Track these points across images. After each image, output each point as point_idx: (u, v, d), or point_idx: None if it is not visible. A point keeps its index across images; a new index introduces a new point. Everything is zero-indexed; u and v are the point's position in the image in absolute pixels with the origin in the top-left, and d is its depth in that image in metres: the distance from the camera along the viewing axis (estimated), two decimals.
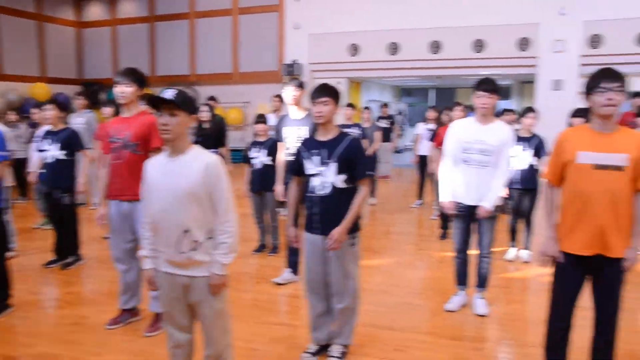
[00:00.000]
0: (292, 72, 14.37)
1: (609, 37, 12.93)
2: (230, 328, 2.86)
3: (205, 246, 2.64)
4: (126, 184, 3.82)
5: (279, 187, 5.03)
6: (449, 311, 4.40)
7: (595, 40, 13.01)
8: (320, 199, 3.30)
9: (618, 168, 2.75)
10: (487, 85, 4.06)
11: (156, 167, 2.68)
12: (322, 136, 3.35)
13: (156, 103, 2.58)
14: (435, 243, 6.66)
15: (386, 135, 11.67)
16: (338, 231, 3.24)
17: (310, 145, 3.39)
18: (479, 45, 13.70)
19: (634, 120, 7.33)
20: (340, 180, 3.27)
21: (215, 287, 2.66)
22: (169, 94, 2.55)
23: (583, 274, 2.94)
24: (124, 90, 3.81)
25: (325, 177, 3.28)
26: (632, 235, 2.87)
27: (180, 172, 2.59)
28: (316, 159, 3.31)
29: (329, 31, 14.52)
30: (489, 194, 4.14)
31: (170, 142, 2.61)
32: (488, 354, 3.79)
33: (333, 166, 3.26)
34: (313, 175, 3.33)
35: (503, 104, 18.05)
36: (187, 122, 2.62)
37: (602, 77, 2.72)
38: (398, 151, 19.06)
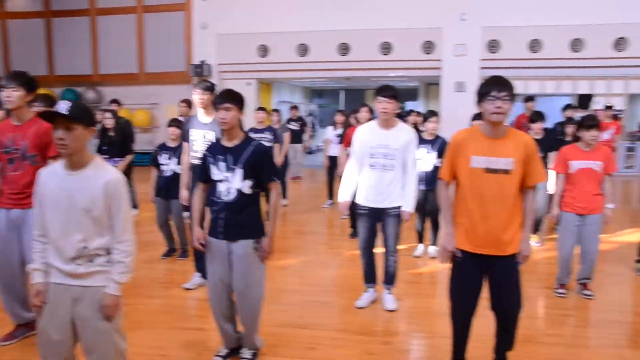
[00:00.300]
0: (200, 73, 14.10)
1: (505, 42, 13.70)
2: (122, 349, 2.66)
3: (102, 259, 2.53)
4: (23, 195, 3.59)
5: (183, 192, 4.89)
6: (360, 308, 4.48)
7: (493, 45, 13.75)
8: (226, 204, 3.26)
9: (506, 172, 2.91)
10: (386, 91, 4.17)
11: (53, 179, 2.53)
12: (228, 142, 3.31)
13: (50, 117, 2.43)
14: (346, 242, 6.76)
15: (297, 137, 11.75)
16: (267, 243, 3.29)
17: (215, 150, 3.33)
18: (386, 48, 14.07)
19: (527, 124, 7.81)
20: (246, 187, 3.25)
21: (108, 308, 2.52)
22: (63, 107, 2.40)
23: (481, 270, 3.07)
24: (10, 94, 3.55)
25: (231, 183, 3.24)
26: (524, 229, 3.06)
27: (79, 188, 2.46)
28: (222, 164, 3.26)
29: (238, 31, 14.37)
30: (406, 197, 4.30)
31: (67, 157, 2.47)
32: (398, 347, 3.89)
33: (239, 172, 3.23)
34: (219, 181, 3.28)
35: (410, 105, 18.68)
36: (85, 135, 2.47)
37: (492, 86, 2.86)
38: (310, 152, 19.22)
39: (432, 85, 17.67)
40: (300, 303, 4.65)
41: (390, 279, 4.52)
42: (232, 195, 3.24)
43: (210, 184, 3.36)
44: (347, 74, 14.93)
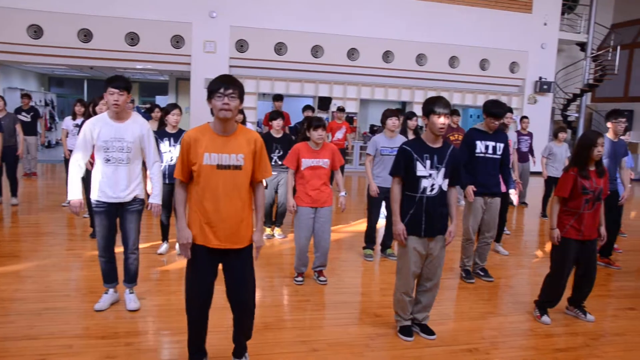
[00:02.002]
0: None
1: (253, 43, 14.26)
2: None
3: None
4: None
5: None
6: (99, 310, 4.24)
7: (242, 45, 14.19)
8: None
9: (237, 167, 3.05)
10: (117, 82, 4.01)
11: None
12: None
13: None
14: (87, 242, 6.34)
15: (29, 128, 10.61)
16: None
17: None
18: (132, 38, 13.50)
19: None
20: None
21: None
22: None
23: (215, 262, 3.16)
24: None
25: None
26: (257, 222, 3.22)
27: None
28: None
29: None
30: (153, 190, 4.22)
31: None
32: (141, 347, 3.76)
33: None
34: None
35: (159, 100, 18.27)
36: None
37: (220, 83, 2.96)
38: (48, 146, 17.54)
39: (182, 80, 17.53)
40: (32, 312, 4.20)
41: (131, 278, 4.37)
42: None
43: None
44: (90, 63, 13.90)
